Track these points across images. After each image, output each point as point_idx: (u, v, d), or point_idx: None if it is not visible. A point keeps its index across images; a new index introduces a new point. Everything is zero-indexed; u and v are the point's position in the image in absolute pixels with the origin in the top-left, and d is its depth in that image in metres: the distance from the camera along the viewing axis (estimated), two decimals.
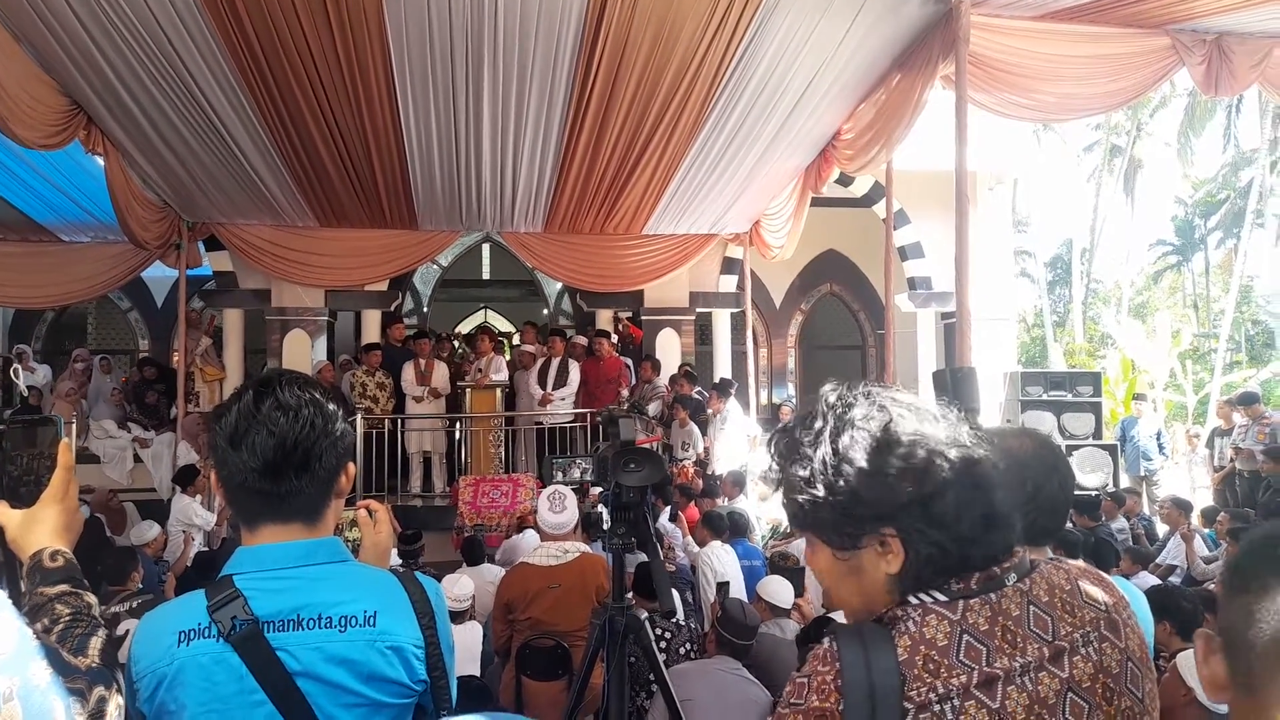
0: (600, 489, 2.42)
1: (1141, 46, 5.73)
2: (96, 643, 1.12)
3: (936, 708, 0.96)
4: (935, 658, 0.98)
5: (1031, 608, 1.02)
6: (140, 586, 5.23)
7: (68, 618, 1.14)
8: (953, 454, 1.03)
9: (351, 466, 1.38)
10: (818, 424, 1.07)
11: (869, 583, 1.06)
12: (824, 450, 1.04)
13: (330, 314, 10.30)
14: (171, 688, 1.20)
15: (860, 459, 1.02)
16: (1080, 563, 1.14)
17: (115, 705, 1.08)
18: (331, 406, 1.32)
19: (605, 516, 2.28)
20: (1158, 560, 6.87)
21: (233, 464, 1.26)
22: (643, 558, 4.87)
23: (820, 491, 1.04)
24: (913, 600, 1.03)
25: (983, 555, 1.03)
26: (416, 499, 9.28)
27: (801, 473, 1.06)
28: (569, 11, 5.35)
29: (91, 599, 1.20)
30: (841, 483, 1.03)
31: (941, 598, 1.02)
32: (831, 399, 1.09)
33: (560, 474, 2.59)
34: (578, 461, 2.59)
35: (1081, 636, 1.02)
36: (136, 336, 13.69)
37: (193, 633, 1.22)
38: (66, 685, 1.03)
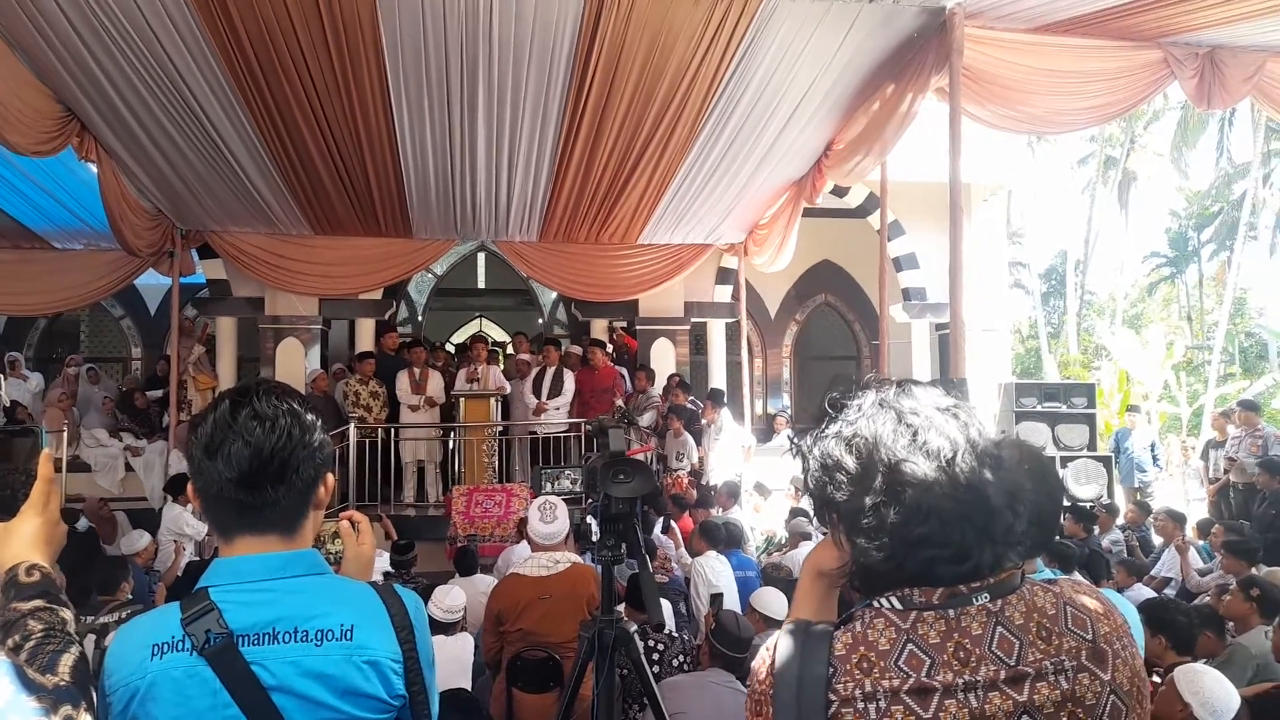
0: (589, 499, 2.40)
1: (1134, 60, 5.74)
2: (68, 660, 1.10)
3: (860, 705, 0.98)
4: (871, 659, 1.00)
5: (999, 629, 1.00)
6: (130, 596, 5.18)
7: (40, 634, 1.12)
8: (905, 472, 1.02)
9: (330, 478, 1.36)
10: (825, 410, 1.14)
11: (841, 557, 1.11)
12: (814, 436, 1.13)
13: (324, 322, 10.28)
14: (144, 702, 1.18)
15: (816, 452, 1.10)
16: (1086, 585, 1.10)
17: None
18: (309, 417, 1.30)
19: (594, 528, 2.26)
20: (1152, 572, 6.86)
21: (208, 474, 1.25)
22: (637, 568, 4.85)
23: (799, 466, 1.16)
24: (873, 604, 1.05)
25: (921, 572, 1.02)
26: (410, 508, 9.23)
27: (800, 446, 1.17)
28: (564, 21, 5.36)
29: (66, 615, 1.18)
30: (803, 465, 1.13)
31: (898, 606, 1.03)
32: (845, 386, 1.15)
33: (549, 484, 2.57)
34: (567, 472, 2.57)
35: (1053, 665, 0.99)
36: (129, 344, 13.65)
37: (166, 646, 1.19)
38: (31, 704, 1.00)
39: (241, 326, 10.31)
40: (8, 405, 8.78)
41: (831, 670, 1.00)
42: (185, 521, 7.12)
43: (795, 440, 1.18)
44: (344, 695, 1.22)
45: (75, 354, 11.59)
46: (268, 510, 1.26)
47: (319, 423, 1.32)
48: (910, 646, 1.00)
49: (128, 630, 1.25)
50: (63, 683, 1.06)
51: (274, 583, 1.25)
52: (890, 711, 0.97)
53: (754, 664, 1.09)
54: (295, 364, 9.86)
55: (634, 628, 2.45)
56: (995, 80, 5.57)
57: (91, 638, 4.05)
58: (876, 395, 1.09)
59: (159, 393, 10.33)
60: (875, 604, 1.04)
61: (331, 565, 1.36)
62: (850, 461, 1.05)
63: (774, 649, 1.06)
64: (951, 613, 1.01)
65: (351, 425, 8.82)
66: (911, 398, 1.08)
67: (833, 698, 0.99)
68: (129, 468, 9.37)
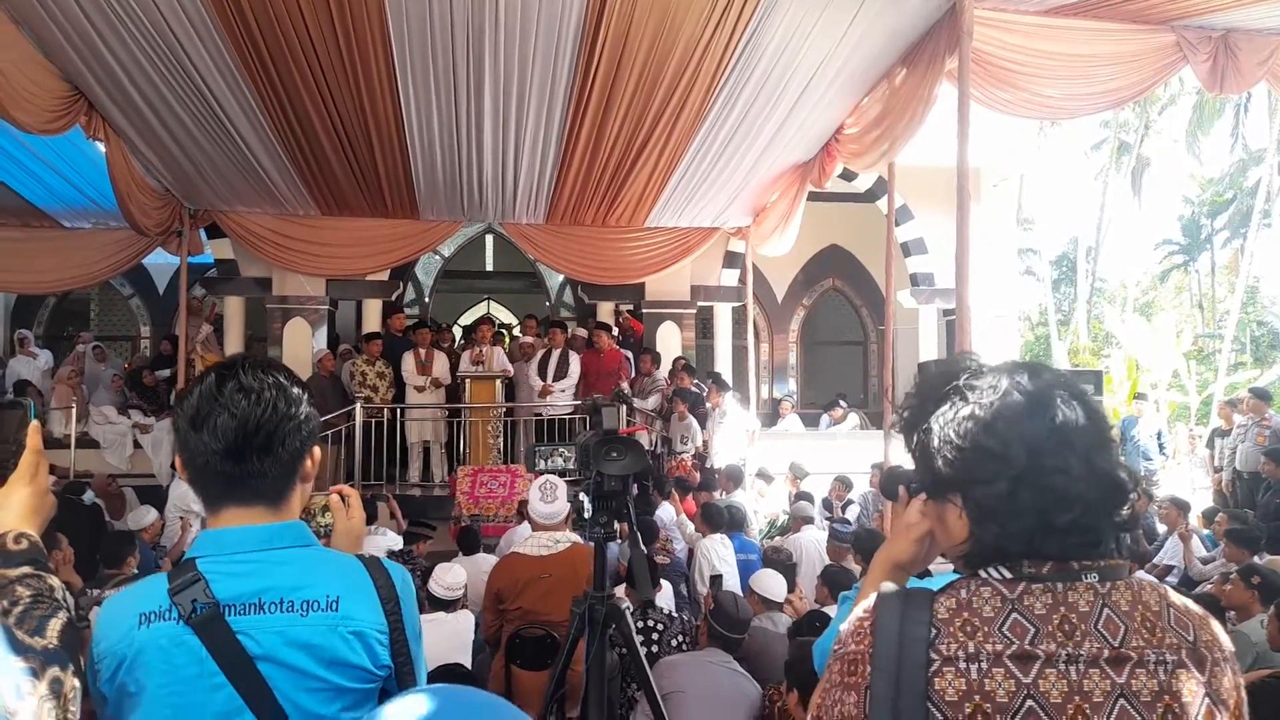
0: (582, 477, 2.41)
1: (1145, 44, 5.67)
2: (56, 624, 1.12)
3: (962, 665, 0.99)
4: (975, 623, 1.01)
5: (1105, 610, 1.01)
6: (136, 571, 5.24)
7: (28, 599, 1.13)
8: (1050, 458, 1.03)
9: (317, 451, 1.37)
10: (947, 386, 1.13)
11: (948, 536, 1.12)
12: (932, 407, 1.12)
13: (331, 303, 10.31)
14: (131, 669, 1.20)
15: (937, 428, 1.10)
16: (1188, 602, 1.10)
17: (71, 686, 1.07)
18: (295, 390, 1.31)
19: (586, 505, 2.28)
20: (1155, 560, 6.86)
21: (194, 446, 1.26)
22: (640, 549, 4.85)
23: (912, 441, 1.15)
24: (981, 574, 1.06)
25: (1052, 550, 1.04)
26: (415, 488, 9.29)
27: (909, 416, 1.16)
28: (570, 1, 5.33)
29: (55, 582, 1.20)
30: (925, 439, 1.11)
31: (1008, 575, 1.04)
32: (969, 364, 1.15)
33: (543, 461, 2.59)
34: (561, 449, 2.58)
35: (1155, 655, 1.00)
36: (138, 322, 13.73)
37: (153, 615, 1.21)
38: (19, 664, 1.02)
39: (249, 306, 10.35)
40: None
41: (934, 631, 1.01)
42: (192, 498, 7.12)
43: (906, 415, 1.17)
44: (329, 665, 1.24)
45: (85, 332, 11.66)
46: (254, 482, 1.28)
47: (305, 396, 1.33)
48: (1015, 615, 1.01)
49: (116, 600, 1.28)
50: (51, 645, 1.08)
51: (260, 554, 1.26)
52: (991, 673, 0.98)
53: (843, 628, 1.10)
54: (302, 344, 9.90)
55: (626, 604, 2.47)
56: (1005, 64, 5.51)
57: (96, 610, 4.10)
58: (1010, 380, 1.09)
59: (167, 372, 10.39)
60: (982, 574, 1.06)
61: (321, 539, 1.38)
62: (993, 444, 1.04)
63: (874, 610, 1.06)
64: (1060, 586, 1.02)
65: (358, 405, 8.86)
66: (1042, 381, 1.08)
67: (934, 657, 1.00)
68: (137, 445, 9.45)
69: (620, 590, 4.19)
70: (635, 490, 2.29)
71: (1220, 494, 8.52)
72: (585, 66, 6.06)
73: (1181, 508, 6.92)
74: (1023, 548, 1.03)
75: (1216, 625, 1.08)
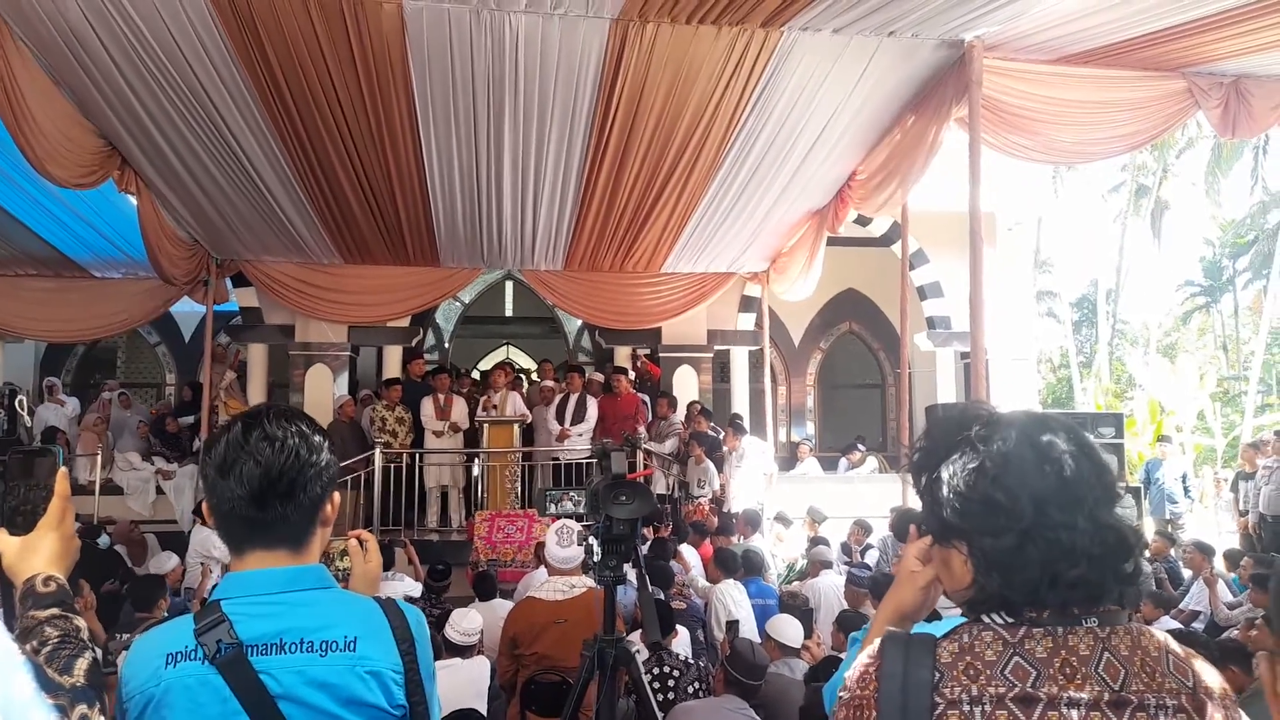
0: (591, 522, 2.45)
1: (1157, 90, 5.74)
2: (83, 664, 1.17)
3: (966, 708, 1.01)
4: (978, 666, 1.03)
5: (1105, 654, 1.03)
6: (166, 615, 5.26)
7: (56, 639, 1.19)
8: (1057, 513, 1.04)
9: (337, 496, 1.43)
10: (958, 434, 1.14)
11: (953, 580, 1.13)
12: (942, 454, 1.14)
13: (352, 349, 10.44)
14: (159, 708, 1.24)
15: (947, 476, 1.11)
16: (1188, 650, 1.11)
17: None
18: (317, 438, 1.37)
19: (596, 549, 2.32)
20: (1181, 605, 6.74)
21: (221, 492, 1.32)
22: (659, 595, 4.84)
23: (920, 485, 1.17)
24: (983, 619, 1.08)
25: (1055, 602, 1.05)
26: (433, 533, 9.30)
27: (919, 460, 1.18)
28: (588, 55, 5.47)
29: (80, 623, 1.25)
30: (934, 486, 1.13)
31: (1009, 620, 1.06)
32: (981, 413, 1.16)
33: (553, 505, 2.63)
34: (571, 493, 2.62)
35: (1155, 700, 1.00)
36: (164, 370, 13.95)
37: (180, 655, 1.26)
38: (49, 701, 1.07)
39: (272, 353, 10.51)
40: (29, 426, 8.97)
41: (938, 675, 1.04)
42: (213, 544, 7.20)
43: (916, 458, 1.19)
44: (347, 704, 1.28)
45: (111, 379, 11.86)
46: (277, 526, 1.33)
47: (326, 443, 1.39)
48: (1017, 658, 1.03)
49: (144, 640, 1.33)
50: (79, 684, 1.13)
51: (282, 595, 1.31)
52: (995, 716, 1.00)
53: (848, 674, 1.12)
54: (324, 390, 10.02)
55: (637, 648, 2.49)
56: (1016, 111, 5.59)
57: (124, 655, 4.13)
58: (1019, 432, 1.10)
59: (191, 418, 10.53)
60: (984, 619, 1.08)
61: (340, 582, 1.43)
62: (1001, 497, 1.06)
63: (878, 655, 1.08)
64: (1060, 630, 1.04)
65: (377, 450, 8.92)
66: (1051, 434, 1.10)
67: (938, 700, 1.02)
68: (160, 491, 9.54)
69: (636, 635, 4.18)
70: (649, 536, 2.32)
71: (1246, 537, 8.38)
72: (603, 117, 6.20)
73: (1206, 552, 6.81)
74: (1026, 598, 1.05)
75: (1214, 673, 1.08)
